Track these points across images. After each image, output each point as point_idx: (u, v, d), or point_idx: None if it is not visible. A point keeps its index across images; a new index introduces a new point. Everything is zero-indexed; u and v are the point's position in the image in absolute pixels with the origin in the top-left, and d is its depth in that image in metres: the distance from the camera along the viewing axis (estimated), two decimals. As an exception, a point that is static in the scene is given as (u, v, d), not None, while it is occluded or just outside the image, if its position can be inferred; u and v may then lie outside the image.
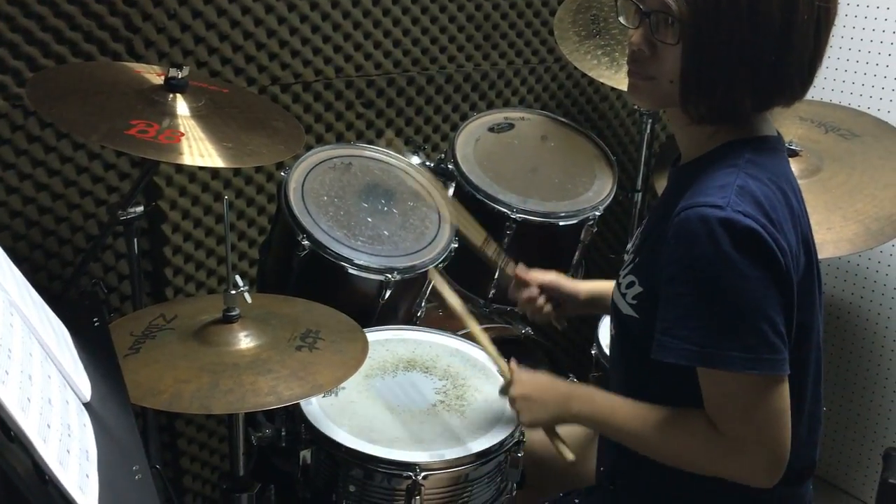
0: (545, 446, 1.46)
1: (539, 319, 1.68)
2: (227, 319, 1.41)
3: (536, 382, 1.42)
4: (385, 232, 1.87)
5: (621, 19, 1.25)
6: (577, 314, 1.73)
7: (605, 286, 1.58)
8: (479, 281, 2.12)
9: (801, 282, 1.19)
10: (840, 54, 2.55)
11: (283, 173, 1.87)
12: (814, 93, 1.24)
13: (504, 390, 1.46)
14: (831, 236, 1.89)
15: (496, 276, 2.09)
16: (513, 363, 1.49)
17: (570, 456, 1.39)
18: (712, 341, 1.12)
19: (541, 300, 1.64)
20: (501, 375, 1.49)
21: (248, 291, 1.44)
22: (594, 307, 1.65)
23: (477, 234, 1.64)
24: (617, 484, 1.40)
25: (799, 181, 1.28)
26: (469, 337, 1.69)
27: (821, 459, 1.33)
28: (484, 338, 1.56)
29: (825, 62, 1.19)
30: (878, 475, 2.01)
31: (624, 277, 1.31)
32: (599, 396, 1.37)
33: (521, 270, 1.65)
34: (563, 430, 1.43)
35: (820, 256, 1.27)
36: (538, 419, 1.39)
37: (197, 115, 1.62)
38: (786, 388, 1.15)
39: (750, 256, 1.10)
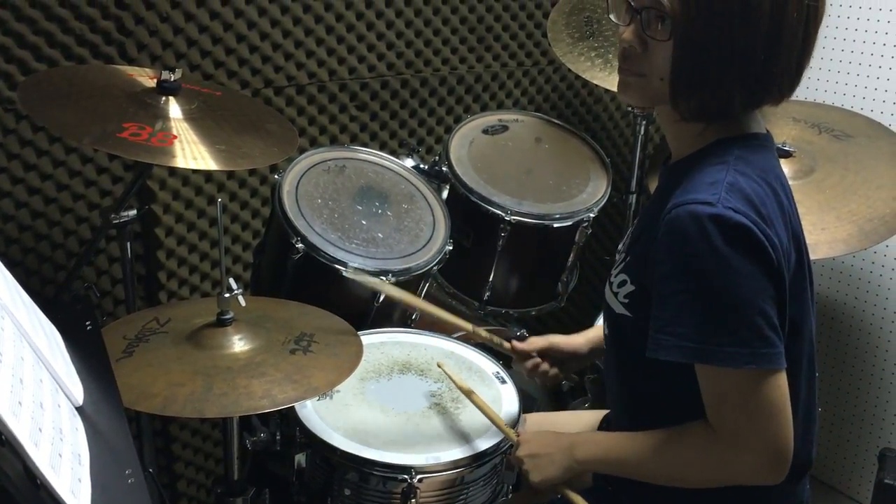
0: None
1: (550, 383, 1.67)
2: (220, 323, 1.41)
3: (540, 439, 1.42)
4: (379, 234, 1.87)
5: (612, 16, 1.25)
6: (583, 366, 1.74)
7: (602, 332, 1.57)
8: (474, 283, 2.12)
9: (793, 277, 1.19)
10: (833, 55, 2.56)
11: (276, 176, 1.86)
12: (807, 93, 1.24)
13: (512, 455, 1.45)
14: (825, 237, 1.89)
15: (491, 279, 2.09)
16: (519, 427, 1.51)
17: None
18: (708, 337, 1.12)
19: (544, 366, 1.63)
20: (508, 439, 1.48)
21: (242, 295, 1.44)
22: (599, 355, 1.64)
23: (465, 324, 1.65)
24: (615, 485, 1.40)
25: (793, 182, 1.28)
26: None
27: (816, 460, 1.33)
28: (487, 407, 1.53)
29: (818, 63, 1.20)
30: (873, 476, 2.01)
31: (616, 276, 1.31)
32: (601, 437, 1.39)
33: (518, 344, 1.65)
34: None
35: (814, 257, 1.27)
36: (547, 476, 1.37)
37: (190, 117, 1.62)
38: (784, 382, 1.15)
39: (741, 252, 1.10)
